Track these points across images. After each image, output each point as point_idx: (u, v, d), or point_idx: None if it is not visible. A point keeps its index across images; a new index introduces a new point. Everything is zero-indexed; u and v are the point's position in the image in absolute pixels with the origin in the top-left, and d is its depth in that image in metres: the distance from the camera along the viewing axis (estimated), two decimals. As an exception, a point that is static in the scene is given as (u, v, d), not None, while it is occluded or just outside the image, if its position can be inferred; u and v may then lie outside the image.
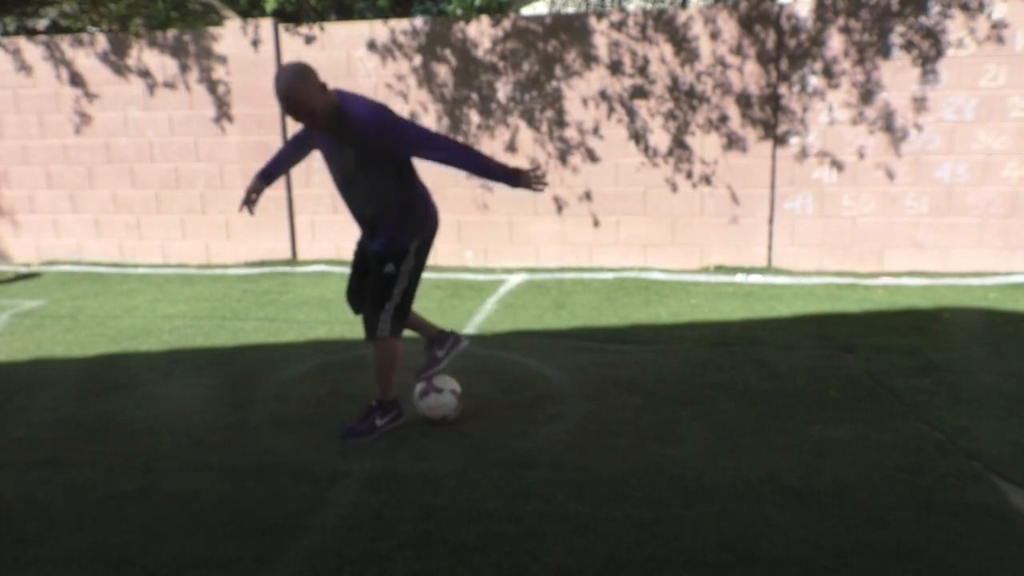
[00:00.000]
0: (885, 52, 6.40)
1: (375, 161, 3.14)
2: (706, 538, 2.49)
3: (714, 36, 6.60)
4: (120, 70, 7.55)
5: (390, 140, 3.09)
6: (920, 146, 6.49)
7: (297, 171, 7.32)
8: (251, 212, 3.37)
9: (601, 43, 6.79)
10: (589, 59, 6.83)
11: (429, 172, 7.18)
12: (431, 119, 7.16)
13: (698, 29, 6.62)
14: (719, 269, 6.95)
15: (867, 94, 6.47)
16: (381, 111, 3.12)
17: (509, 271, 7.16)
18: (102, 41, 7.54)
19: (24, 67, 7.66)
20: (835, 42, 6.45)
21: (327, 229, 7.51)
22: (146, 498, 2.86)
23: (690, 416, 3.55)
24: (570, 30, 6.81)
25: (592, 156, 6.99)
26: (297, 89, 2.95)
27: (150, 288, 6.75)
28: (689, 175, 6.88)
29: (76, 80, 7.61)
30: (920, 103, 6.41)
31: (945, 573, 2.29)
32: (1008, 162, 6.39)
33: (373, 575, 2.33)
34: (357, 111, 3.08)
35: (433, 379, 3.49)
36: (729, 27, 6.56)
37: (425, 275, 6.89)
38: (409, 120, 3.21)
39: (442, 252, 7.42)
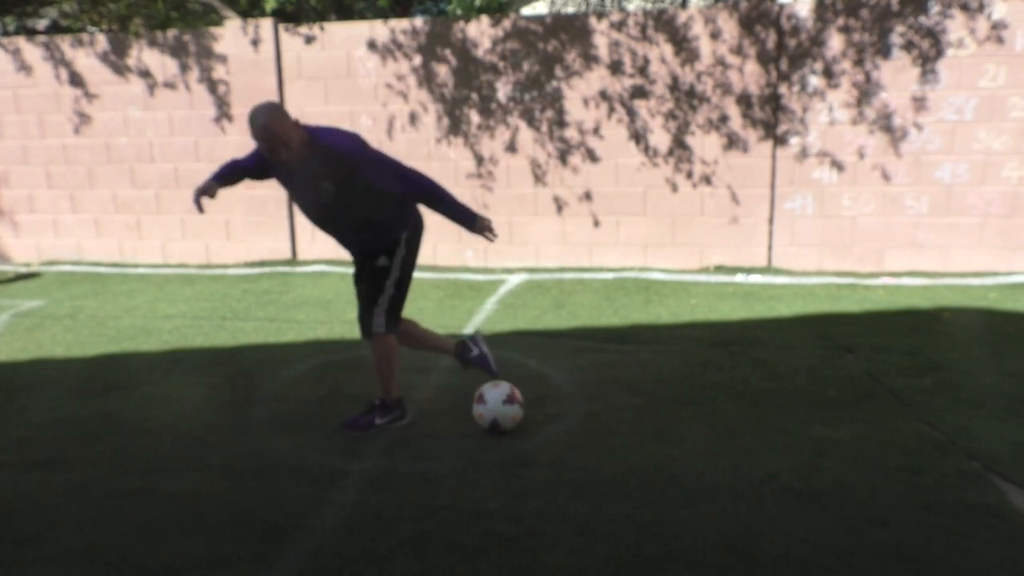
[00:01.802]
0: (885, 52, 6.40)
1: (358, 185, 3.13)
2: (706, 538, 2.49)
3: (714, 36, 6.60)
4: (120, 70, 7.55)
5: (369, 164, 3.13)
6: (920, 146, 6.49)
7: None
8: (201, 211, 3.22)
9: (601, 43, 6.78)
10: (589, 59, 6.82)
11: (429, 172, 7.21)
12: (431, 119, 7.16)
13: (698, 29, 6.62)
14: (719, 269, 6.95)
15: (867, 94, 6.47)
16: (356, 137, 3.18)
17: (509, 271, 7.16)
18: (102, 41, 7.54)
19: (24, 67, 7.66)
20: (835, 42, 6.45)
21: (327, 229, 7.50)
22: (146, 498, 2.86)
23: (690, 416, 3.55)
24: (570, 30, 6.81)
25: (592, 156, 6.99)
26: (276, 121, 2.99)
27: (150, 288, 6.75)
28: (689, 175, 6.88)
29: (76, 80, 7.61)
30: (920, 103, 6.41)
31: (945, 573, 2.28)
32: (1008, 162, 6.39)
33: (373, 575, 2.33)
34: (334, 141, 3.12)
35: (514, 392, 3.38)
36: (729, 27, 6.56)
37: (425, 275, 6.96)
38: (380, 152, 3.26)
39: (442, 252, 7.42)
